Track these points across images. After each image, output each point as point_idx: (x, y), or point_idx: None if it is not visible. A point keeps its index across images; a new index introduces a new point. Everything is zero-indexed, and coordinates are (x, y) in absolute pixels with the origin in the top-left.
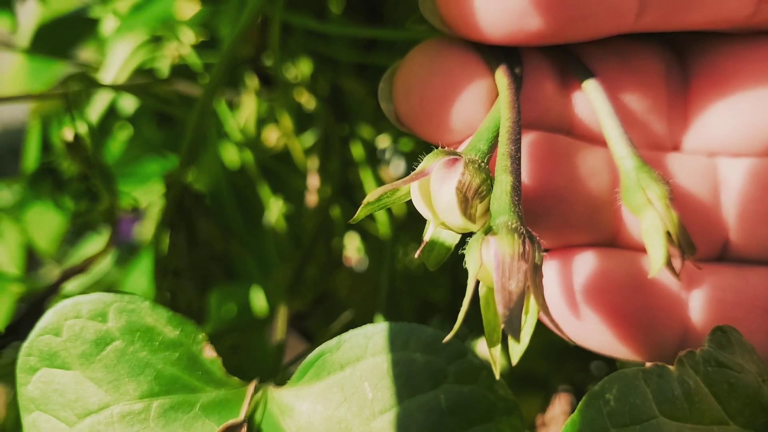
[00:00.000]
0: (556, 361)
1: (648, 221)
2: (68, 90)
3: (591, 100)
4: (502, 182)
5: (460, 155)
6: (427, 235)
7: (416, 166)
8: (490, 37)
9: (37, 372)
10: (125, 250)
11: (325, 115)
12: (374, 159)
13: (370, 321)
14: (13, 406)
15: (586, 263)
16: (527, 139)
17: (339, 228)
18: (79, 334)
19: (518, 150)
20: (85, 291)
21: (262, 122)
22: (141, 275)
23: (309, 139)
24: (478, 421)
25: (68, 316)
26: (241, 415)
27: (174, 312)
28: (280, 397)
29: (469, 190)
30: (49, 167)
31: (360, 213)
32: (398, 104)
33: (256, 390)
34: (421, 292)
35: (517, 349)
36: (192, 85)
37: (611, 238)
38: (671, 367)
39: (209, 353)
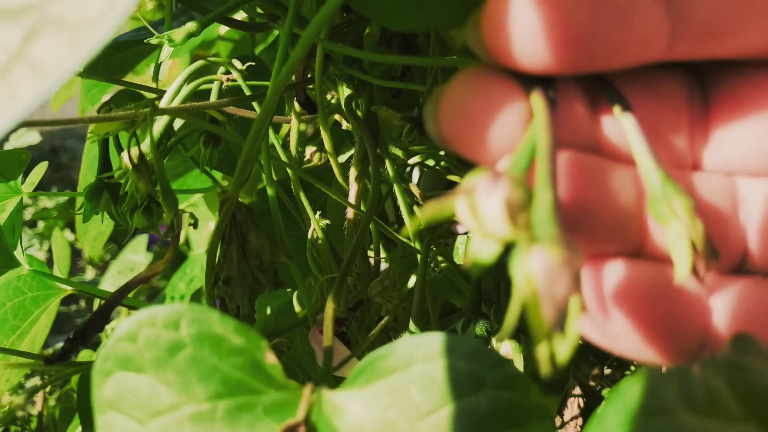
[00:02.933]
0: (572, 368)
1: (674, 231)
2: (133, 113)
3: (620, 122)
4: (543, 196)
5: (502, 172)
6: (474, 246)
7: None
8: (527, 68)
9: (113, 375)
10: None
11: (361, 136)
12: (405, 175)
13: (402, 325)
14: (62, 409)
15: (615, 271)
16: (561, 157)
17: (374, 240)
18: (154, 341)
19: (554, 167)
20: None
21: (305, 142)
22: (179, 281)
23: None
24: (514, 425)
25: (144, 325)
26: (300, 416)
27: (239, 322)
28: (333, 399)
29: (513, 204)
30: (106, 182)
31: (414, 226)
32: (442, 125)
33: (311, 392)
34: (445, 297)
35: (564, 351)
36: (239, 107)
37: (638, 249)
38: (694, 368)
39: (270, 359)
